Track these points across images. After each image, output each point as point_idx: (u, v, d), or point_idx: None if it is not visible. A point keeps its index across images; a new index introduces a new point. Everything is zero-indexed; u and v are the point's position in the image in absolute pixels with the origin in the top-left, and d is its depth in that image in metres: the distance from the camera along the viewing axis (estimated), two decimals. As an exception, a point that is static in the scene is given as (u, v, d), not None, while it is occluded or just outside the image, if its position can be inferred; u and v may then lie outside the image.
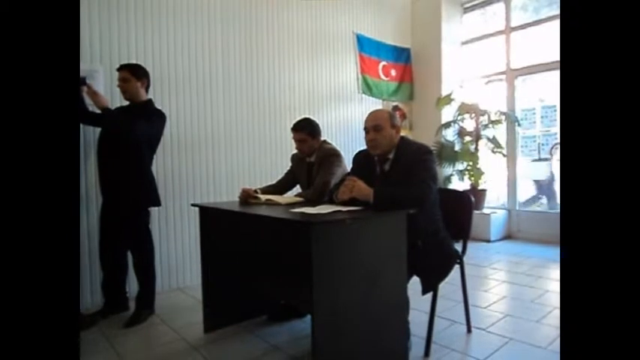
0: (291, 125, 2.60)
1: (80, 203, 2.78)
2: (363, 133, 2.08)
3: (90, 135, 2.81)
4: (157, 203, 2.66)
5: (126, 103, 2.63)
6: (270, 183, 2.74)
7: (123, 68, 2.54)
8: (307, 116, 2.71)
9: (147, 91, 2.64)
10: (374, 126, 1.98)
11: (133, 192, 2.51)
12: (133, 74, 2.53)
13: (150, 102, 2.63)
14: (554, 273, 3.42)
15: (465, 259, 2.19)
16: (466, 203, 2.20)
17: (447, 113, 5.26)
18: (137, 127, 2.42)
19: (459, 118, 5.16)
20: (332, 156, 2.51)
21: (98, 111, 2.46)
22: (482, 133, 5.05)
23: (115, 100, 2.74)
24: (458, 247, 2.18)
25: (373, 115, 2.04)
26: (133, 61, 2.82)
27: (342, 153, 2.59)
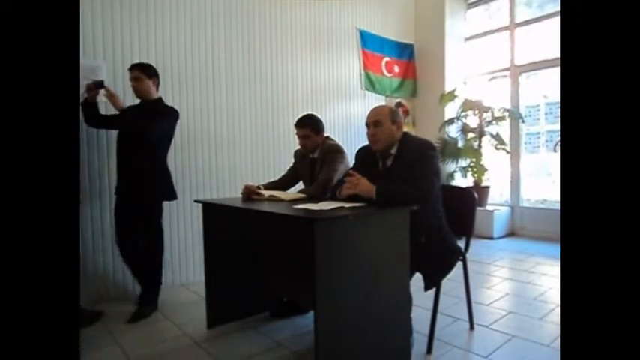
0: (294, 121, 2.60)
1: (93, 200, 2.84)
2: (366, 130, 2.08)
3: (103, 134, 2.87)
4: (170, 198, 2.72)
5: (128, 102, 2.68)
6: (272, 179, 2.75)
7: (134, 67, 2.58)
8: (310, 112, 2.71)
9: (157, 89, 2.68)
10: (374, 121, 2.00)
11: (146, 188, 2.56)
12: (145, 73, 2.57)
13: (160, 100, 2.68)
14: (557, 270, 3.41)
15: (468, 255, 2.19)
16: (469, 200, 2.20)
17: (451, 110, 5.24)
18: (154, 126, 2.49)
19: (463, 114, 5.14)
20: (335, 152, 2.51)
21: (114, 111, 2.59)
22: (486, 129, 5.03)
23: (121, 96, 2.77)
24: (461, 243, 2.17)
25: (374, 111, 2.06)
26: (136, 58, 2.83)
27: (345, 149, 2.58)
